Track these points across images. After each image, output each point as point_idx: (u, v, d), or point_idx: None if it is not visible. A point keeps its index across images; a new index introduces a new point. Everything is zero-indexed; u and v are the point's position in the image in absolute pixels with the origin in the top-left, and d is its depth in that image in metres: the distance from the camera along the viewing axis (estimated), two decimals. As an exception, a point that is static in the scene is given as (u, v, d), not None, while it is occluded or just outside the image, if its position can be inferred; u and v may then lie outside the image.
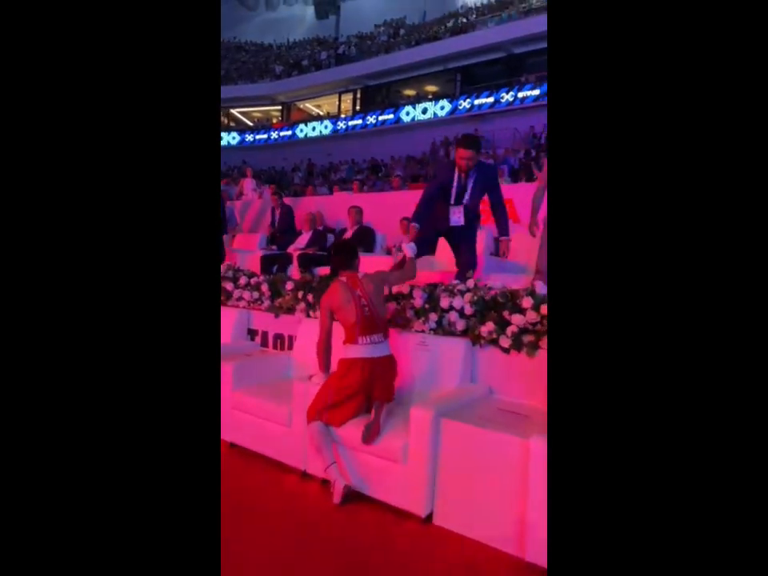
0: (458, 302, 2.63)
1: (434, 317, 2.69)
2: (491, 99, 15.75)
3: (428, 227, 3.12)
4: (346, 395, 2.33)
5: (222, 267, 3.95)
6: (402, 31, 20.84)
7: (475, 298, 2.58)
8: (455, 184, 3.05)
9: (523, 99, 15.08)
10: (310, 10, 25.72)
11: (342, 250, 2.62)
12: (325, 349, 2.50)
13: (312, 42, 23.91)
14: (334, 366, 2.49)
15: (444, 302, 2.68)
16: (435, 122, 16.95)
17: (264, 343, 3.61)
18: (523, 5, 16.81)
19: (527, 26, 15.28)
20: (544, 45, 15.40)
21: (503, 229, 3.17)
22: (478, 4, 19.42)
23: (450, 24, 18.89)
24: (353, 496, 2.24)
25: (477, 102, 16.09)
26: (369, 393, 2.34)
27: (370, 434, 2.17)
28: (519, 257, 4.42)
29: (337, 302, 2.41)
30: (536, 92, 14.76)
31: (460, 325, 2.62)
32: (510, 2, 17.73)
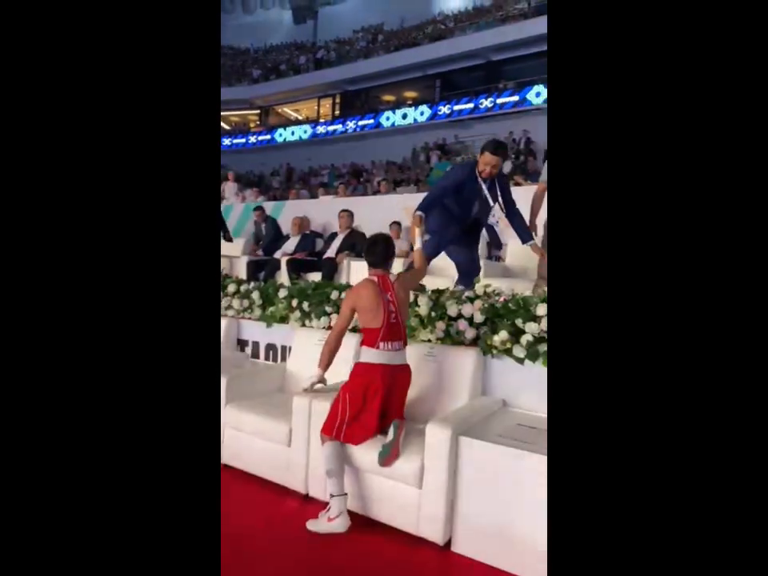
0: (467, 310, 2.50)
1: (441, 326, 2.55)
2: (471, 105, 15.80)
3: (440, 227, 2.97)
4: (365, 404, 2.12)
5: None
6: (380, 37, 20.79)
7: (485, 305, 2.45)
8: (474, 187, 2.90)
9: (502, 105, 15.16)
10: (288, 15, 25.49)
11: (378, 244, 2.28)
12: (335, 344, 2.28)
13: (290, 47, 23.69)
14: (336, 373, 2.32)
15: (452, 310, 2.55)
16: (415, 128, 16.93)
17: (255, 354, 3.41)
18: (500, 13, 16.95)
19: (505, 34, 15.43)
20: (521, 52, 15.67)
21: (526, 234, 3.03)
22: (456, 11, 19.53)
23: (428, 30, 18.92)
24: (362, 523, 2.07)
25: (456, 107, 16.12)
26: (386, 405, 2.15)
27: (389, 456, 1.99)
28: (517, 261, 4.33)
29: (365, 304, 2.18)
30: (515, 98, 14.87)
31: (470, 334, 2.48)
32: (487, 10, 17.88)
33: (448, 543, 1.95)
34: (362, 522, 2.08)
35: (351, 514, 2.06)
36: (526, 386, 2.32)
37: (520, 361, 2.31)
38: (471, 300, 2.53)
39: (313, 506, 2.24)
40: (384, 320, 2.15)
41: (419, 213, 2.79)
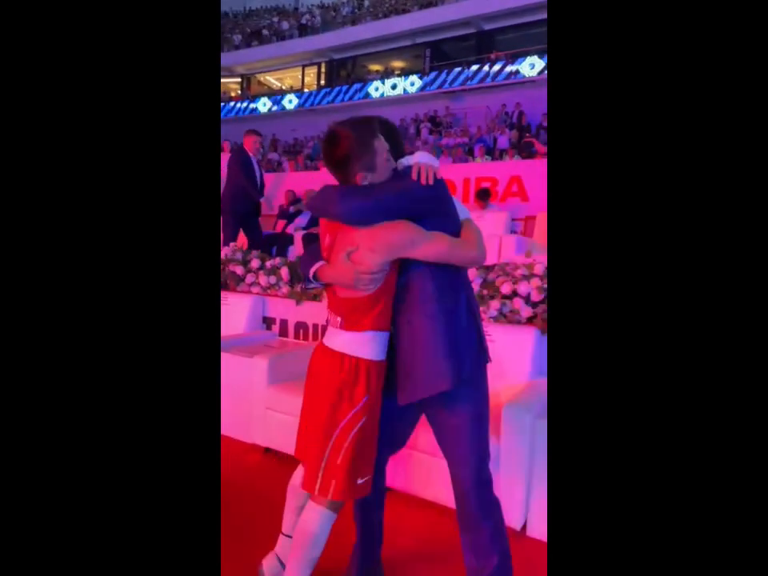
0: (523, 288, 2.41)
1: (495, 304, 2.46)
2: (462, 76, 15.47)
3: None
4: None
5: (228, 249, 3.55)
6: (366, 2, 20.10)
7: (545, 285, 2.36)
8: None
9: (495, 76, 14.89)
10: (268, -24, 24.40)
11: None
12: None
13: (271, 11, 22.74)
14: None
15: (505, 288, 2.46)
16: (404, 99, 16.55)
17: (283, 333, 3.28)
18: (492, -21, 16.52)
19: (497, 1, 15.03)
20: (514, 21, 15.37)
21: None
22: (445, -23, 18.98)
23: (417, -4, 18.36)
24: (428, 507, 2.00)
25: (448, 78, 15.77)
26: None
27: None
28: (542, 238, 4.26)
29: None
30: (507, 69, 14.60)
31: (526, 312, 2.40)
32: (478, -24, 17.39)
33: (523, 527, 1.91)
34: (429, 507, 2.01)
35: (418, 499, 1.99)
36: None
37: (583, 340, 2.25)
38: (527, 278, 2.44)
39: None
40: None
41: None
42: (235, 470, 2.41)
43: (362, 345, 1.32)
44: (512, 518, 1.89)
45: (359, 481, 1.33)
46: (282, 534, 1.57)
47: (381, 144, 1.30)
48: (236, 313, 3.32)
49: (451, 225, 1.33)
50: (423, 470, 2.05)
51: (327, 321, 1.41)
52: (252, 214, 4.35)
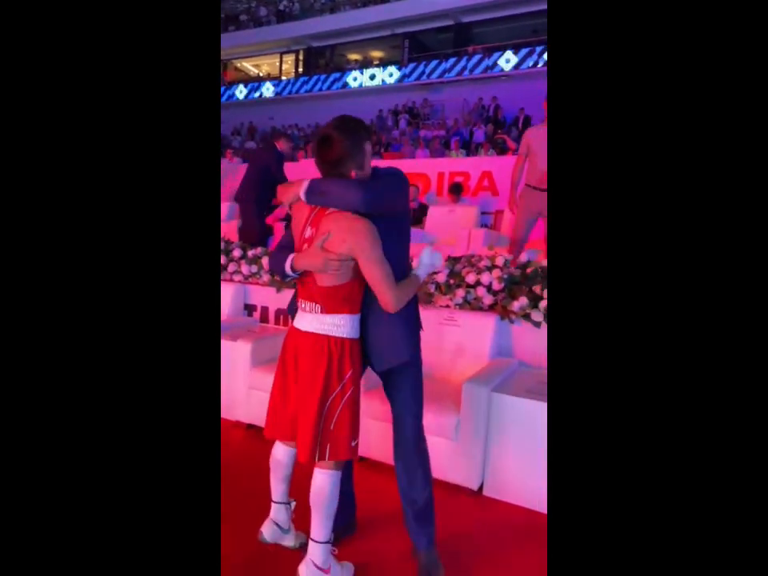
0: (485, 278, 2.66)
1: (460, 293, 2.70)
2: (440, 68, 15.64)
3: None
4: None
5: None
6: (345, -9, 20.01)
7: (505, 275, 2.62)
8: None
9: (472, 69, 15.11)
10: (245, -40, 23.98)
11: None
12: None
13: (248, -5, 22.42)
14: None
15: (470, 278, 2.70)
16: (383, 89, 16.64)
17: (264, 319, 3.47)
18: (471, -29, 16.65)
19: (475, -5, 15.20)
20: (492, 15, 15.57)
21: None
22: (424, -33, 19.01)
23: (397, -14, 18.36)
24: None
25: (426, 69, 15.92)
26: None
27: None
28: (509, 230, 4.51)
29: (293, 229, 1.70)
30: (484, 63, 14.83)
31: (488, 300, 2.65)
32: (457, -32, 17.49)
33: (480, 488, 2.17)
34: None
35: (391, 468, 2.22)
36: (542, 348, 2.53)
37: (537, 325, 2.51)
38: (489, 269, 2.69)
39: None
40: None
41: None
42: (222, 445, 2.61)
43: (343, 326, 1.52)
44: (470, 480, 2.15)
45: (352, 443, 1.55)
46: (273, 501, 1.74)
47: (369, 147, 1.52)
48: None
49: (406, 229, 1.65)
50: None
51: (301, 308, 1.57)
52: (271, 205, 4.76)
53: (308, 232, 1.53)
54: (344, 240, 1.44)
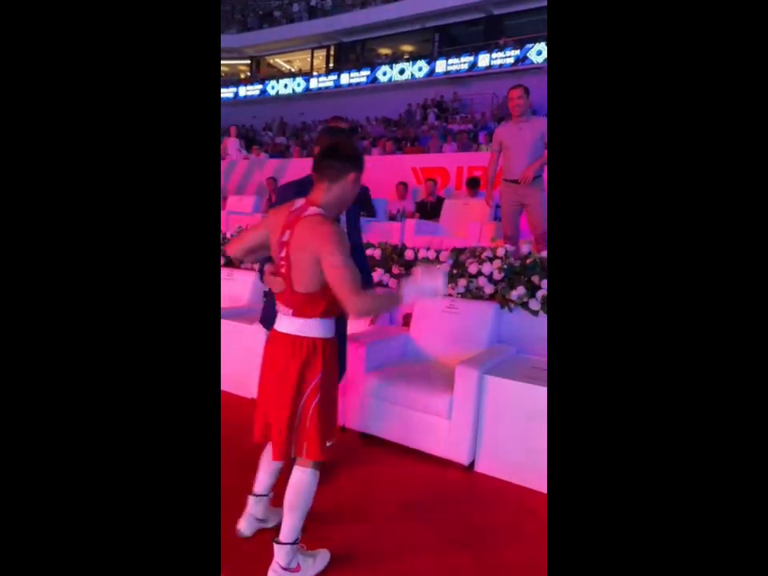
0: (486, 268, 2.78)
1: (463, 282, 2.83)
2: (470, 61, 15.56)
3: None
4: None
5: (235, 232, 3.94)
6: (376, -15, 20.08)
7: (505, 266, 2.73)
8: None
9: (502, 63, 14.98)
10: (279, -43, 24.31)
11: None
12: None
13: (281, -8, 22.76)
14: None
15: (472, 268, 2.83)
16: (412, 84, 16.67)
17: (282, 306, 3.68)
18: (502, -37, 16.46)
19: (506, -14, 15.05)
20: (524, 6, 15.37)
21: None
22: (456, -40, 18.88)
23: (427, -20, 18.32)
24: (401, 450, 2.41)
25: (456, 64, 15.87)
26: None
27: None
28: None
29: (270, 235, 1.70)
30: (515, 53, 14.66)
31: (488, 289, 2.77)
32: (489, -40, 17.31)
33: (471, 464, 2.31)
34: (400, 450, 2.43)
35: (391, 444, 2.39)
36: (539, 336, 2.64)
37: (534, 313, 2.62)
38: (491, 260, 2.80)
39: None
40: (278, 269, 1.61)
41: None
42: (237, 418, 2.82)
43: (315, 327, 1.56)
44: (462, 456, 2.29)
45: (328, 444, 1.60)
46: (254, 494, 1.79)
47: (353, 176, 1.56)
48: (240, 287, 3.74)
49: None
50: (402, 422, 2.46)
51: (279, 311, 1.62)
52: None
53: (285, 236, 1.54)
54: (311, 245, 1.48)
